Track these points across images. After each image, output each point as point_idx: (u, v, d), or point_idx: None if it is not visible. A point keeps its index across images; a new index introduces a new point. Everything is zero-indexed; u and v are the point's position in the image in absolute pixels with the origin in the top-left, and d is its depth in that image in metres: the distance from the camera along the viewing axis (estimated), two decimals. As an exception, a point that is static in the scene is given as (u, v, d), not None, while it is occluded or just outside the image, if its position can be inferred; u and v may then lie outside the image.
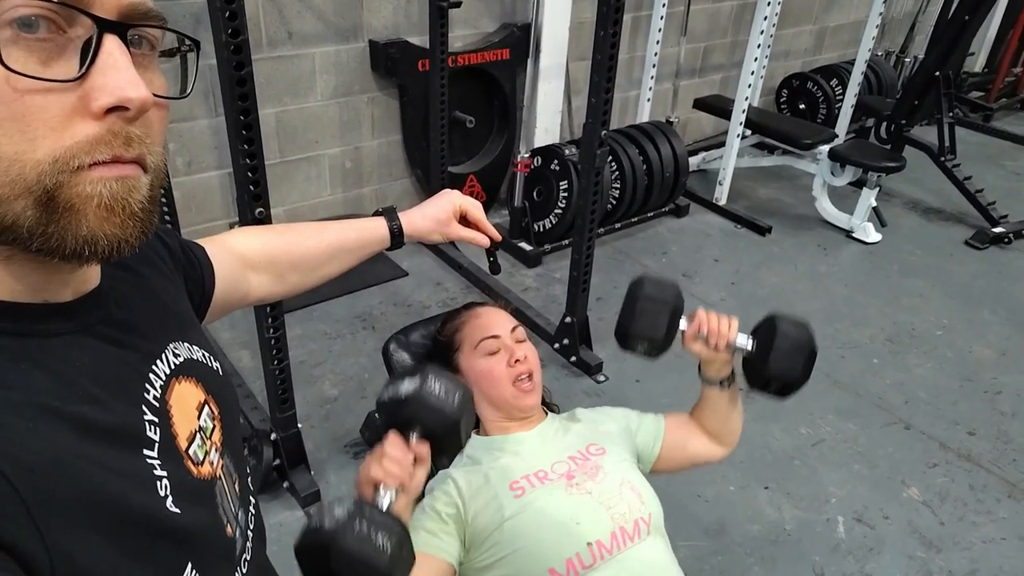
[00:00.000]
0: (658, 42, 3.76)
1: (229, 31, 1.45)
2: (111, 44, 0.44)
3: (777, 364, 1.14)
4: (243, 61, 1.49)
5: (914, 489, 2.17)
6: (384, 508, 0.84)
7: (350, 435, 2.21)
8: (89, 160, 0.44)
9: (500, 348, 1.25)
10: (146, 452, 0.52)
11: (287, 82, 2.84)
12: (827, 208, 3.73)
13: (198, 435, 0.60)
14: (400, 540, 0.77)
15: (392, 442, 0.89)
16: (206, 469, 0.59)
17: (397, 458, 0.88)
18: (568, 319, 2.57)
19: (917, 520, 2.06)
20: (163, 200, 2.37)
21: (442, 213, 1.06)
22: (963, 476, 2.22)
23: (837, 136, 3.87)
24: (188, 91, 0.53)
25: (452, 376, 0.96)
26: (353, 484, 2.09)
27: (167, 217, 2.43)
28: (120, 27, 0.45)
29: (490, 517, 1.11)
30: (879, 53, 5.01)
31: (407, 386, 0.92)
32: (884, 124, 4.01)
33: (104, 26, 0.44)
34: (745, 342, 1.19)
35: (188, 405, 0.61)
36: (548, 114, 3.42)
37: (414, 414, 0.91)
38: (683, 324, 1.20)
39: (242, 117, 1.54)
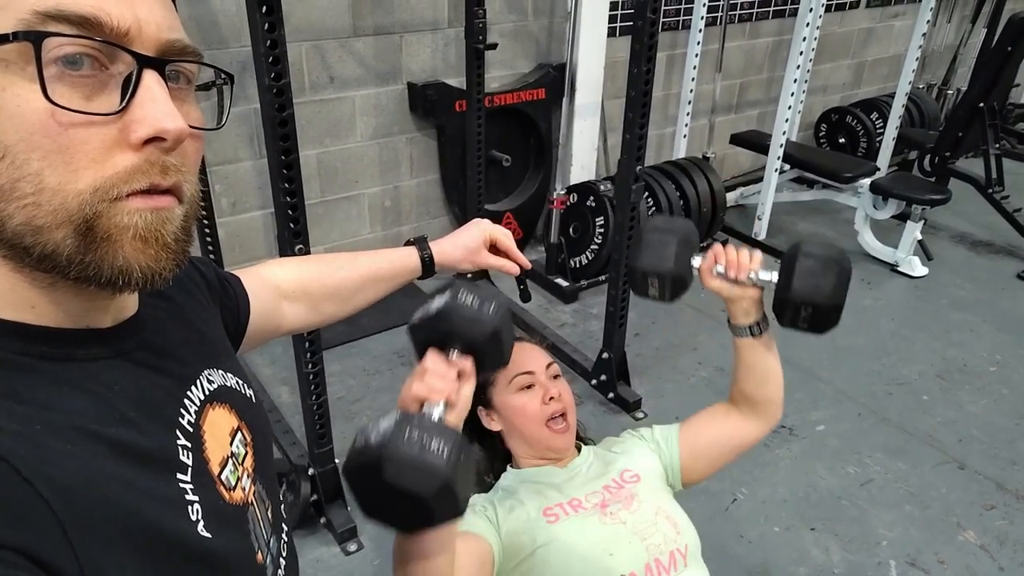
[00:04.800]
0: (693, 79, 3.78)
1: (272, 75, 1.51)
2: (150, 79, 0.46)
3: (802, 286, 1.02)
4: (285, 104, 1.55)
5: (970, 532, 2.07)
6: (434, 419, 0.78)
7: (387, 471, 2.21)
8: (127, 189, 0.46)
9: (534, 384, 1.25)
10: (179, 476, 0.53)
11: (328, 124, 2.92)
12: (870, 242, 3.65)
13: (230, 461, 0.61)
14: (456, 444, 0.71)
15: (432, 358, 0.84)
16: (238, 495, 0.60)
17: (439, 372, 0.83)
18: (605, 355, 2.55)
19: (975, 565, 1.96)
20: (208, 239, 2.45)
21: (472, 242, 1.07)
22: (1023, 519, 2.12)
23: (879, 169, 3.82)
24: (223, 122, 0.55)
25: (484, 286, 0.90)
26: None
27: (211, 256, 2.50)
28: (159, 63, 0.47)
29: (522, 541, 1.10)
30: (920, 86, 4.95)
31: (438, 301, 0.86)
32: (928, 157, 3.94)
33: (144, 62, 0.46)
34: (770, 275, 1.08)
35: (221, 431, 0.62)
36: (584, 151, 3.45)
37: (450, 327, 0.84)
38: (698, 260, 1.12)
39: (283, 157, 1.59)
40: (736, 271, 1.09)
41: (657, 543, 1.10)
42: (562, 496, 1.17)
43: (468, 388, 0.85)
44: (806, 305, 1.03)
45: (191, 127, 0.49)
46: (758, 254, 1.11)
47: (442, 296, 0.86)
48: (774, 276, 1.07)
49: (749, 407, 1.24)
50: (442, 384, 0.81)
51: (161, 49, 0.48)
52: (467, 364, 0.85)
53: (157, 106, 0.46)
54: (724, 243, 1.13)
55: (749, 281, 1.09)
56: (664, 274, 1.10)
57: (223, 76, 0.55)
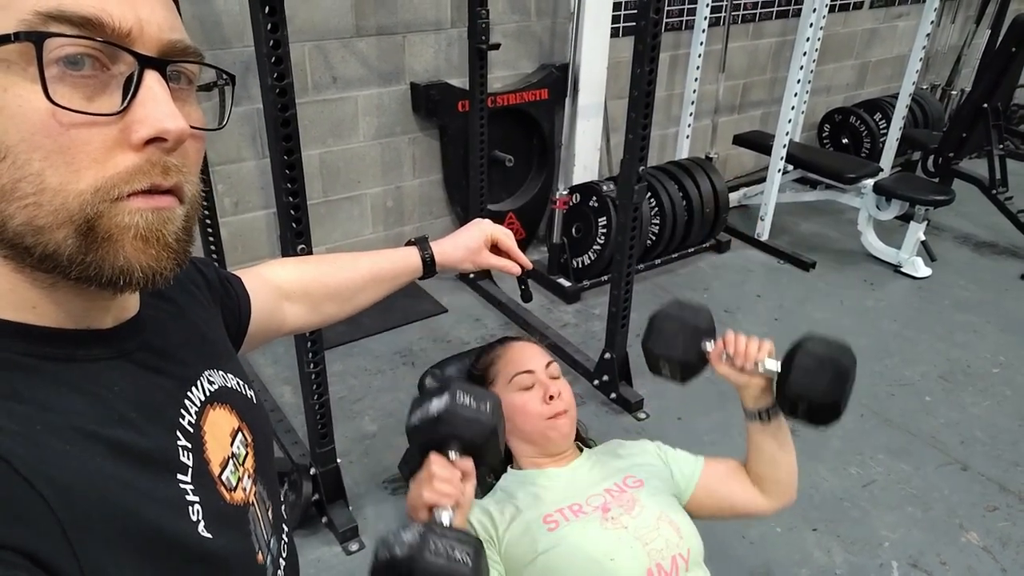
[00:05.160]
0: (696, 79, 3.78)
1: (275, 75, 1.51)
2: (151, 79, 0.46)
3: (798, 381, 1.05)
4: (287, 104, 1.55)
5: (973, 533, 2.07)
6: (447, 526, 0.83)
7: (389, 471, 2.21)
8: (128, 189, 0.46)
9: (534, 383, 1.25)
10: (179, 477, 0.53)
11: (331, 124, 2.92)
12: (873, 242, 3.65)
13: (231, 461, 0.61)
14: (478, 550, 0.76)
15: (437, 462, 0.88)
16: (239, 495, 0.60)
17: (446, 477, 0.86)
18: (607, 355, 2.55)
19: (977, 566, 1.96)
20: (210, 239, 2.45)
21: (473, 242, 1.07)
22: (1026, 521, 2.12)
23: (882, 170, 3.81)
24: (224, 123, 0.55)
25: (477, 386, 0.94)
26: (392, 519, 2.09)
27: (214, 255, 2.50)
28: (160, 63, 0.47)
29: (523, 550, 1.10)
30: (924, 87, 4.94)
31: (437, 404, 0.90)
32: (931, 157, 3.94)
33: (145, 62, 0.46)
34: (775, 365, 1.10)
35: (222, 431, 0.62)
36: (587, 152, 3.44)
37: (451, 430, 0.89)
38: (710, 346, 1.15)
39: (286, 157, 1.59)
40: (743, 360, 1.12)
41: (659, 548, 1.10)
42: (562, 501, 1.16)
43: (470, 488, 0.89)
44: (802, 400, 1.07)
45: (192, 127, 0.49)
46: (767, 344, 1.13)
47: (440, 399, 0.90)
48: (778, 366, 1.10)
49: (761, 485, 1.26)
50: (450, 488, 0.86)
51: (162, 49, 0.48)
52: (468, 465, 0.89)
53: (158, 106, 0.46)
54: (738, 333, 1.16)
55: (755, 370, 1.12)
56: (674, 360, 1.16)
57: (224, 76, 0.55)
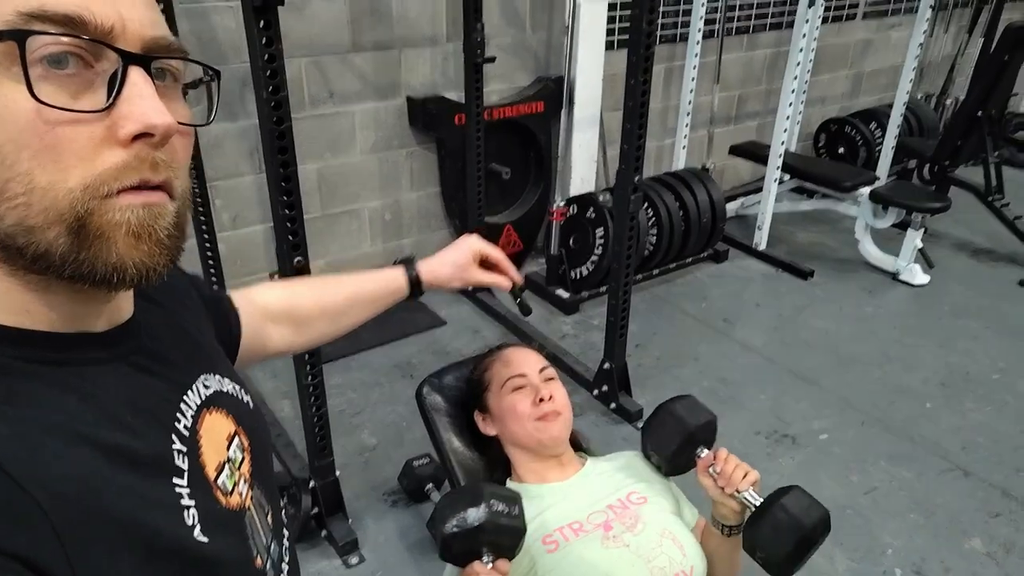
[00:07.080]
0: (692, 91, 3.80)
1: (270, 88, 1.52)
2: (136, 75, 0.46)
3: (765, 535, 1.05)
4: (283, 118, 1.56)
5: (976, 540, 2.05)
6: None
7: (388, 483, 2.20)
8: (118, 186, 0.46)
9: (526, 385, 1.25)
10: (175, 481, 0.53)
11: (328, 138, 2.93)
12: (871, 251, 3.65)
13: (226, 466, 0.60)
14: None
15: (481, 572, 0.93)
16: (235, 500, 0.60)
17: None
18: (607, 365, 2.54)
19: (981, 573, 1.95)
20: (208, 253, 2.45)
21: (461, 258, 1.06)
22: (1029, 526, 2.10)
23: (878, 178, 3.82)
24: (211, 118, 0.56)
25: (503, 488, 1.00)
26: (392, 532, 2.08)
27: (212, 270, 2.50)
28: (144, 59, 0.47)
29: (522, 574, 1.09)
30: (919, 96, 4.97)
31: (475, 514, 0.94)
32: (927, 166, 3.95)
33: (129, 59, 0.46)
34: (753, 498, 1.10)
35: (218, 436, 0.61)
36: (583, 164, 3.46)
37: (490, 538, 0.94)
38: (703, 453, 1.17)
39: (282, 170, 1.60)
40: (726, 484, 1.11)
41: (662, 566, 1.09)
42: (562, 519, 1.15)
43: None
44: (761, 551, 1.07)
45: (179, 123, 0.49)
46: (753, 475, 1.12)
47: (477, 509, 0.94)
48: (757, 502, 1.10)
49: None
50: None
51: (146, 46, 0.48)
52: (505, 566, 0.95)
53: (144, 102, 0.46)
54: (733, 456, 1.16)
55: (734, 498, 1.12)
56: (662, 457, 1.22)
57: (210, 72, 0.55)
